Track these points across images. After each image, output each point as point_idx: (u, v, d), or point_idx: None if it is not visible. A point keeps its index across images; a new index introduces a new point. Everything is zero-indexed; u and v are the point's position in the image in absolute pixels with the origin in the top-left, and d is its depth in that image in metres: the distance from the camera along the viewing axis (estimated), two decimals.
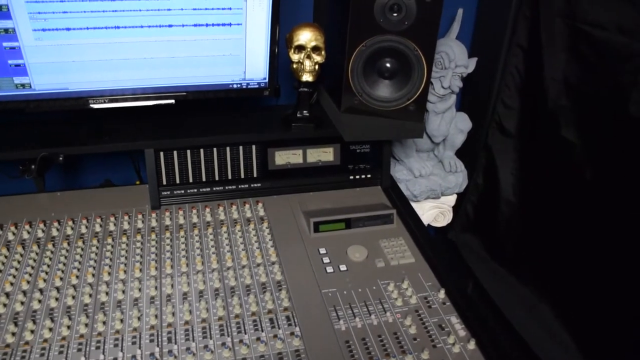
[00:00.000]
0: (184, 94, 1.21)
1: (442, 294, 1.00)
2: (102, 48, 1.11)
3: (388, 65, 1.15)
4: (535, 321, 1.39)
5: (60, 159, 1.13)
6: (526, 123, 1.46)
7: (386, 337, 0.91)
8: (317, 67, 1.19)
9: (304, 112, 1.26)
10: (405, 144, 1.54)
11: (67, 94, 1.15)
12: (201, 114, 1.33)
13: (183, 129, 1.24)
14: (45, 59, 1.10)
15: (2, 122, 1.30)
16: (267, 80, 1.24)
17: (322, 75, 1.22)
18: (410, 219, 1.20)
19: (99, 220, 1.15)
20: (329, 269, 1.05)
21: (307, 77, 1.19)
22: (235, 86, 1.23)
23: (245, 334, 0.90)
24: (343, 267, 1.06)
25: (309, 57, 1.17)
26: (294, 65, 1.19)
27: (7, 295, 0.97)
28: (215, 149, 1.21)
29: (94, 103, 1.17)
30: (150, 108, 1.22)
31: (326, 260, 1.07)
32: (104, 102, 1.17)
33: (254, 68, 1.21)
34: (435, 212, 1.63)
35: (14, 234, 1.11)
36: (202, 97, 1.23)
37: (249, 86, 1.24)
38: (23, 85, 1.11)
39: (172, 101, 1.21)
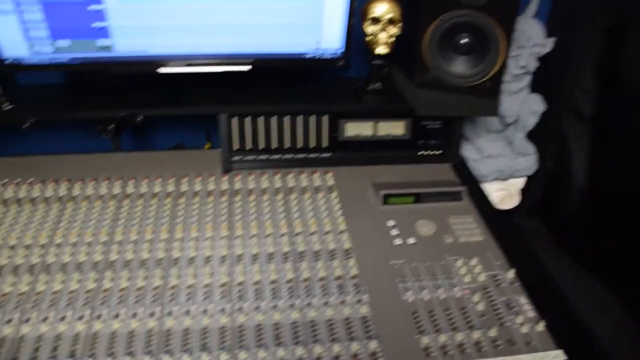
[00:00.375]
0: (259, 61, 1.22)
1: (511, 274, 0.98)
2: (183, 12, 1.13)
3: (465, 40, 1.13)
4: (603, 313, 1.36)
5: (139, 119, 1.16)
6: (604, 108, 1.42)
7: (454, 311, 0.91)
8: (392, 39, 1.18)
9: (377, 84, 1.26)
10: (475, 123, 1.51)
11: (146, 57, 1.18)
12: (273, 83, 1.35)
13: (256, 97, 1.26)
14: (127, 21, 1.13)
15: (82, 83, 1.34)
16: (342, 51, 1.23)
17: (395, 49, 1.21)
18: (480, 198, 1.19)
19: (171, 180, 1.17)
20: (397, 241, 1.05)
21: (381, 50, 1.18)
22: (309, 56, 1.23)
23: (314, 297, 0.91)
24: (411, 240, 1.05)
25: (384, 29, 1.16)
26: (368, 38, 1.18)
27: (89, 244, 1.01)
28: (287, 117, 1.21)
29: (171, 66, 1.19)
30: (224, 75, 1.23)
31: (394, 232, 1.07)
32: (181, 66, 1.19)
33: (330, 38, 1.21)
34: (502, 194, 1.60)
35: (94, 188, 1.15)
36: (275, 66, 1.24)
37: (323, 57, 1.23)
38: (104, 48, 1.14)
39: (248, 67, 1.22)
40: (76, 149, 1.27)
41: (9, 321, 0.86)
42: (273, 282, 0.94)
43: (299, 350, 0.82)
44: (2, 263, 0.97)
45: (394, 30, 1.16)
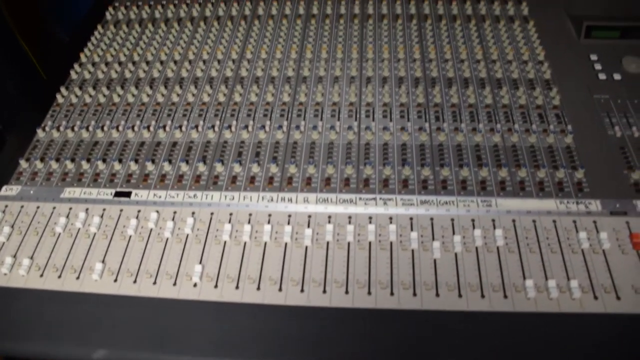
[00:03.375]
0: None
1: None
2: None
3: None
4: None
5: None
6: None
7: None
8: None
9: None
10: None
11: None
12: None
13: None
14: None
15: None
16: None
17: None
18: None
19: (357, 1, 1.15)
20: (602, 76, 0.98)
21: None
22: None
23: (514, 124, 0.88)
24: (617, 76, 0.98)
25: None
26: None
27: (219, 61, 1.04)
28: None
29: None
30: None
31: (598, 67, 1.00)
32: None
33: None
34: None
35: (223, 10, 1.16)
36: None
37: None
38: None
39: None
40: None
41: (212, 127, 0.91)
42: (470, 105, 0.92)
43: (502, 173, 0.81)
44: (198, 75, 1.02)
45: None
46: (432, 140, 0.86)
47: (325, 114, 0.92)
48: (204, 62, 1.04)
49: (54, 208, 0.82)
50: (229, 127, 0.90)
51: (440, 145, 0.85)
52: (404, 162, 0.83)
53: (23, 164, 0.89)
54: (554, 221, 0.76)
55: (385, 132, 0.87)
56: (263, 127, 0.90)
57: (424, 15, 1.11)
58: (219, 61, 1.04)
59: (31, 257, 0.76)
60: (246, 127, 0.90)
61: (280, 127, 0.90)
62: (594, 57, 1.01)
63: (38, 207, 0.82)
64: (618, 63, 1.00)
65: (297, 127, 0.89)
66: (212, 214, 0.79)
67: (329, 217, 0.76)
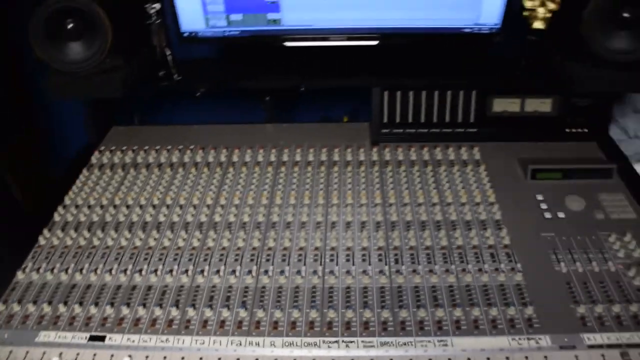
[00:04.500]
0: (417, 36, 1.27)
1: None
2: None
3: (627, 15, 1.11)
4: None
5: (302, 89, 1.24)
6: None
7: (608, 284, 0.92)
8: (549, 15, 1.18)
9: (528, 61, 1.26)
10: (622, 102, 1.48)
11: (310, 30, 1.26)
12: (424, 57, 1.39)
13: (406, 70, 1.31)
14: None
15: (236, 57, 1.45)
16: (499, 26, 1.25)
17: (552, 25, 1.21)
18: (631, 176, 1.17)
19: (324, 150, 1.25)
20: (547, 215, 1.06)
21: (538, 25, 1.19)
22: (467, 30, 1.25)
23: (468, 264, 0.95)
24: (561, 215, 1.06)
25: (543, 4, 1.16)
26: (526, 12, 1.19)
27: (251, 206, 1.11)
28: (436, 92, 1.24)
29: (333, 40, 1.26)
30: (378, 48, 1.29)
31: (544, 206, 1.08)
32: (342, 40, 1.26)
33: (489, 12, 1.23)
34: None
35: (250, 155, 1.26)
36: (435, 40, 1.28)
37: (481, 31, 1.25)
38: (273, 21, 1.23)
39: (404, 42, 1.27)
40: (227, 119, 1.40)
41: (186, 271, 0.97)
42: (427, 248, 0.99)
43: (457, 312, 0.86)
44: (174, 220, 1.09)
45: (552, 5, 1.16)
46: (392, 282, 0.92)
47: (292, 258, 0.98)
48: (181, 207, 1.11)
49: (27, 352, 0.85)
50: (202, 271, 0.96)
51: (399, 287, 0.91)
52: (365, 304, 0.88)
53: (0, 306, 0.93)
54: (507, 358, 0.80)
55: (347, 276, 0.93)
56: (233, 271, 0.96)
57: (384, 162, 1.21)
58: (194, 206, 1.11)
59: None
60: (217, 271, 0.96)
61: (250, 271, 0.96)
62: (540, 197, 1.10)
63: (11, 352, 0.85)
64: (562, 202, 1.09)
65: (266, 272, 0.95)
66: (182, 358, 0.82)
67: None
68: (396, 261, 0.97)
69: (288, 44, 1.29)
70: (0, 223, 1.32)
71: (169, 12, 1.27)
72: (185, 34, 1.26)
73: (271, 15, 1.23)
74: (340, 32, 1.27)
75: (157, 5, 1.23)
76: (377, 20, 1.25)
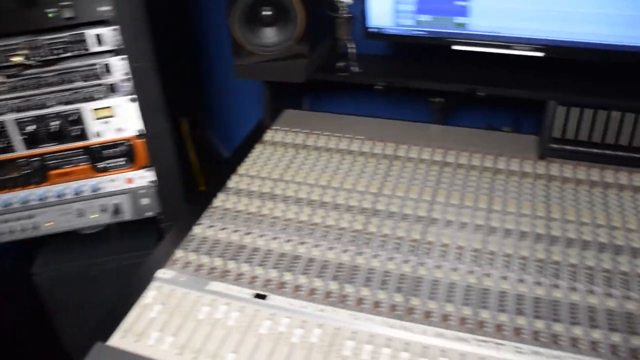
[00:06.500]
0: (605, 53, 1.23)
1: None
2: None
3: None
4: None
5: (479, 93, 1.25)
6: None
7: None
8: None
9: None
10: None
11: (495, 37, 1.26)
12: (608, 75, 1.35)
13: (586, 87, 1.28)
14: (487, 3, 1.23)
15: (409, 56, 1.48)
16: None
17: None
18: None
19: (489, 157, 1.26)
20: None
21: None
22: None
23: (631, 291, 0.92)
24: None
25: None
26: None
27: (414, 200, 1.15)
28: (615, 113, 1.20)
29: (517, 49, 1.26)
30: (561, 63, 1.28)
31: None
32: (528, 50, 1.26)
33: None
34: None
35: (417, 152, 1.29)
36: (623, 59, 1.23)
37: None
38: (460, 25, 1.25)
39: (593, 57, 1.24)
40: (391, 115, 1.45)
41: (345, 250, 1.02)
42: (588, 268, 0.97)
43: (615, 337, 0.84)
44: (339, 202, 1.15)
45: None
46: (550, 295, 0.92)
47: (450, 255, 1.00)
48: (347, 191, 1.17)
49: (199, 297, 0.94)
50: (360, 253, 1.01)
51: (556, 302, 0.91)
52: (520, 311, 0.89)
53: (178, 253, 1.03)
54: None
55: (503, 281, 0.94)
56: (391, 258, 0.99)
57: (550, 177, 1.19)
58: (359, 192, 1.16)
59: (173, 336, 0.87)
60: (376, 255, 1.00)
61: (407, 261, 0.99)
62: None
63: (185, 293, 0.95)
64: None
65: (422, 264, 0.98)
66: (337, 329, 0.87)
67: (443, 351, 0.83)
68: (555, 275, 0.96)
69: (472, 48, 1.30)
70: (181, 186, 1.46)
71: (358, 8, 1.34)
72: (371, 30, 1.32)
73: (458, 19, 1.24)
74: (525, 42, 1.26)
75: (350, 0, 1.31)
76: (568, 33, 1.22)
